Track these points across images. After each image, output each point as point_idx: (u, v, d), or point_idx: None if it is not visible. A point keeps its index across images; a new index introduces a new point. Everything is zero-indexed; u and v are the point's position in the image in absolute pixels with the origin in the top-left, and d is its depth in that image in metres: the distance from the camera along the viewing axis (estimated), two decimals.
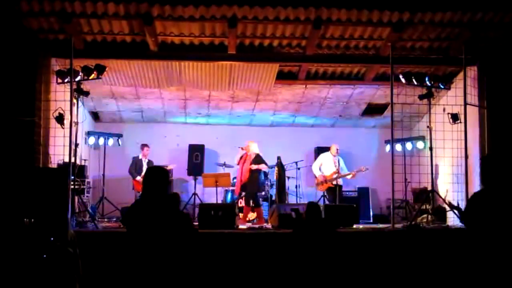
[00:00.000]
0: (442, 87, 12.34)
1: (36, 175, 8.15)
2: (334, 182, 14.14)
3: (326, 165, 14.42)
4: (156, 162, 14.40)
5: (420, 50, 12.64)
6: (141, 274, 5.53)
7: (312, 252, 8.31)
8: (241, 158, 13.84)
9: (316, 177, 14.53)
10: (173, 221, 5.68)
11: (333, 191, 14.15)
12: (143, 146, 14.94)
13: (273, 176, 14.66)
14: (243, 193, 13.68)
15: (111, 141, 15.61)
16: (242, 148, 13.88)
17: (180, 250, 5.63)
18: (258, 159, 13.66)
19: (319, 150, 15.48)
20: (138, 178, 14.14)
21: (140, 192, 13.81)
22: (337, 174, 14.07)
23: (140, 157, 14.83)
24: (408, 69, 12.51)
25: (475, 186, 11.54)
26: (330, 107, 15.95)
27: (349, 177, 14.37)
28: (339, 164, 14.27)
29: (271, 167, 14.80)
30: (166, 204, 5.75)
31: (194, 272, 5.97)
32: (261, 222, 12.97)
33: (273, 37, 12.20)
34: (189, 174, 15.90)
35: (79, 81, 11.26)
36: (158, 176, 5.82)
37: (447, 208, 11.74)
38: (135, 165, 14.66)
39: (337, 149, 14.46)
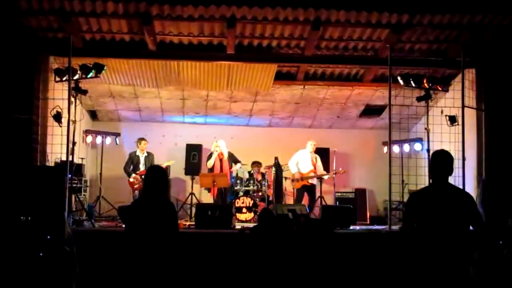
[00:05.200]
0: (440, 89, 12.36)
1: (33, 173, 8.14)
2: (310, 181, 14.16)
3: (303, 162, 14.41)
4: (155, 161, 14.39)
5: (419, 52, 12.66)
6: (137, 272, 5.53)
7: (270, 256, 8.36)
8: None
9: (292, 173, 14.54)
10: (164, 214, 5.70)
11: (307, 189, 14.24)
12: (140, 140, 14.67)
13: (270, 177, 14.67)
14: None
15: (108, 140, 15.57)
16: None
17: (170, 248, 5.64)
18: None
19: (317, 151, 15.46)
20: (133, 175, 14.12)
21: (135, 191, 13.89)
22: (313, 173, 14.07)
23: (137, 152, 14.58)
24: (406, 70, 12.49)
25: (472, 188, 11.57)
26: (328, 108, 15.95)
27: (325, 177, 14.39)
28: (316, 162, 14.26)
29: (268, 167, 14.84)
30: (166, 207, 5.76)
31: (187, 270, 5.98)
32: None
33: (271, 38, 12.21)
34: (186, 173, 15.87)
35: (77, 79, 11.29)
36: (157, 177, 5.83)
37: None
38: (131, 161, 14.45)
39: (313, 146, 14.46)
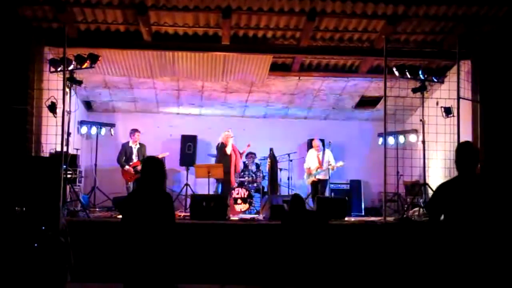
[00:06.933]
0: (435, 80, 12.39)
1: (28, 163, 8.14)
2: (318, 177, 14.34)
3: (311, 160, 14.70)
4: (148, 152, 14.33)
5: (414, 43, 12.64)
6: (134, 263, 5.52)
7: (299, 243, 8.38)
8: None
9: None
10: (161, 205, 5.68)
11: (315, 185, 14.44)
12: (134, 131, 14.57)
13: (265, 168, 14.68)
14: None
15: (103, 131, 15.55)
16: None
17: (167, 236, 5.63)
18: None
19: (312, 143, 15.50)
20: (127, 167, 14.09)
21: (128, 182, 13.85)
22: (319, 169, 14.22)
23: (130, 143, 14.50)
24: (402, 62, 12.49)
25: None
26: (323, 99, 15.95)
27: (319, 171, 14.49)
28: (322, 159, 14.35)
29: (264, 158, 14.85)
30: (162, 198, 5.74)
31: (182, 261, 5.97)
32: None
33: (267, 29, 12.18)
34: (181, 164, 15.88)
35: (72, 70, 11.25)
36: (154, 168, 5.80)
37: None
38: (125, 152, 14.39)
39: (318, 145, 14.75)
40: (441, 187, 5.70)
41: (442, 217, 5.55)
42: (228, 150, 13.98)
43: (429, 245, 9.12)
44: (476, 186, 5.43)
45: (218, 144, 14.20)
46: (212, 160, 15.36)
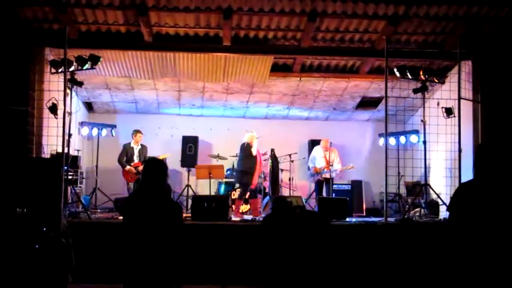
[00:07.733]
0: (436, 81, 12.36)
1: (29, 165, 8.11)
2: (324, 176, 14.39)
3: (317, 158, 14.73)
4: (149, 153, 14.35)
5: (415, 44, 12.63)
6: (134, 265, 5.52)
7: (300, 243, 8.36)
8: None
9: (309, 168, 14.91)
10: (168, 214, 5.67)
11: (321, 184, 14.56)
12: (136, 132, 14.66)
13: (267, 168, 14.66)
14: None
15: (104, 132, 15.55)
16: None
17: (171, 242, 5.63)
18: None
19: (313, 143, 15.53)
20: (128, 167, 14.11)
21: (129, 182, 13.84)
22: (325, 169, 14.23)
23: (131, 144, 14.60)
24: (402, 62, 12.49)
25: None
26: (324, 100, 15.94)
27: (325, 171, 14.50)
28: (329, 158, 14.35)
29: (265, 159, 14.83)
30: (163, 197, 5.74)
31: (185, 263, 5.96)
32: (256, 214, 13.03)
33: (268, 29, 12.18)
34: (182, 165, 15.88)
35: (73, 71, 11.25)
36: (157, 169, 5.80)
37: (440, 202, 11.78)
38: (126, 152, 14.47)
39: (327, 144, 14.72)
40: (460, 189, 5.66)
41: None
42: (254, 151, 13.42)
43: (439, 247, 9.13)
44: (493, 189, 5.37)
45: (244, 144, 13.49)
46: (213, 161, 15.40)
